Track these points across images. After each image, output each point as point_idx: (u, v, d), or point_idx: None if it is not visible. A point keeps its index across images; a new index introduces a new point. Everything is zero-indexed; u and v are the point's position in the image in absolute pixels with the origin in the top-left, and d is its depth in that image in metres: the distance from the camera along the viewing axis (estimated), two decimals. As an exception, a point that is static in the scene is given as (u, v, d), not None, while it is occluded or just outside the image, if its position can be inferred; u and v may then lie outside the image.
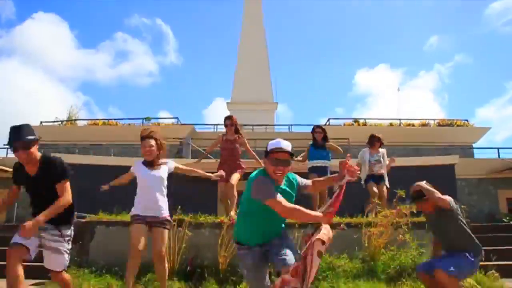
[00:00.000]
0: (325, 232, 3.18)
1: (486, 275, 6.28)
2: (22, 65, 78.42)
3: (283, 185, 3.56)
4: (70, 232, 4.13)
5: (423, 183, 4.93)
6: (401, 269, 6.34)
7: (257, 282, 3.54)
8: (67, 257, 4.02)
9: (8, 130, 4.05)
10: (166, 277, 4.92)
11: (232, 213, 7.34)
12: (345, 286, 6.11)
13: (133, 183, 5.42)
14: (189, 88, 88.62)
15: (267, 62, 29.22)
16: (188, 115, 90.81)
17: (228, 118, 8.28)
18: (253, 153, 8.38)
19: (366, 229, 6.92)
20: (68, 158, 19.25)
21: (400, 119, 22.79)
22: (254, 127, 24.24)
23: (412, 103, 58.16)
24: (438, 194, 4.81)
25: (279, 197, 3.27)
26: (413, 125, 22.76)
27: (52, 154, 4.35)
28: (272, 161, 3.45)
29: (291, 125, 24.53)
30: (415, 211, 7.21)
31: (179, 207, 7.16)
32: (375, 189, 8.66)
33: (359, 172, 4.49)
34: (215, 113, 63.84)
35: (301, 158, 9.17)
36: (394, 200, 7.01)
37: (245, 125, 24.26)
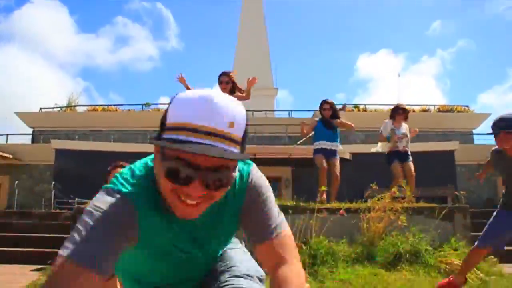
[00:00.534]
0: None
1: (485, 260, 6.31)
2: (21, 51, 78.02)
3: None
4: None
5: None
6: (400, 255, 6.37)
7: None
8: None
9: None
10: None
11: None
12: (344, 271, 6.14)
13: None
14: (191, 73, 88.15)
15: (267, 47, 29.02)
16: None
17: (223, 74, 6.88)
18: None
19: (365, 214, 6.92)
20: (68, 144, 19.40)
21: (400, 105, 22.69)
22: (254, 112, 24.13)
23: (413, 89, 58.00)
24: None
25: None
26: (414, 110, 22.70)
27: None
28: None
29: (291, 110, 24.49)
30: (414, 197, 7.23)
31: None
32: (400, 169, 7.75)
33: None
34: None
35: (307, 126, 8.07)
36: (391, 185, 7.00)
37: (248, 110, 24.14)
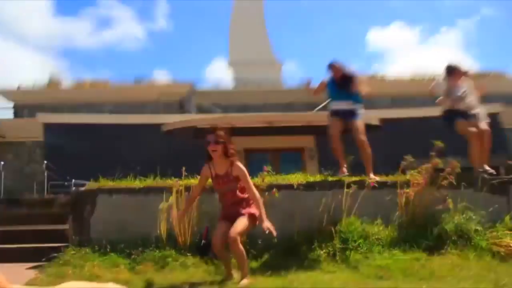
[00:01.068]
0: None
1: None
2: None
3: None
4: None
5: None
6: (445, 236, 6.23)
7: None
8: None
9: None
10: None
11: None
12: (380, 256, 6.02)
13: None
14: (184, 52, 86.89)
15: (262, 16, 27.93)
16: (184, 73, 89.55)
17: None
18: None
19: (402, 189, 6.75)
20: (58, 118, 19.33)
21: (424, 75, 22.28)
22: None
23: (437, 60, 56.63)
24: None
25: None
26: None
27: None
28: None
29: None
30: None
31: (184, 168, 7.01)
32: (472, 128, 7.26)
33: None
34: (219, 71, 62.78)
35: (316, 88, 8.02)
36: (432, 153, 6.74)
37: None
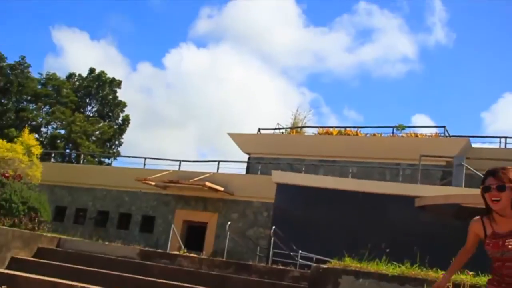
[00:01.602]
0: None
1: None
2: (234, 52, 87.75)
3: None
4: None
5: None
6: None
7: None
8: None
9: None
10: None
11: None
12: None
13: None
14: (462, 79, 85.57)
15: None
16: (459, 121, 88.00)
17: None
18: None
19: None
20: (293, 178, 20.66)
21: None
22: None
23: None
24: None
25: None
26: None
27: None
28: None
29: None
30: None
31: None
32: None
33: None
34: (504, 116, 60.10)
35: None
36: None
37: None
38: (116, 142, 50.26)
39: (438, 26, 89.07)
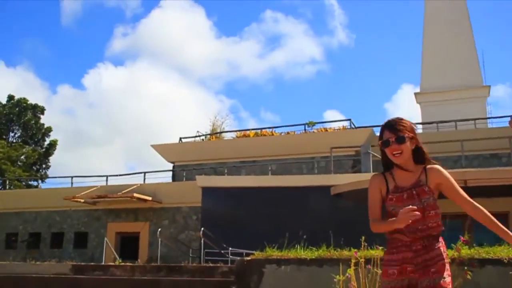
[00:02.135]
0: None
1: None
2: (152, 67, 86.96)
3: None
4: None
5: None
6: None
7: None
8: None
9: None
10: None
11: None
12: None
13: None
14: (366, 74, 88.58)
15: (469, 30, 27.74)
16: (364, 113, 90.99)
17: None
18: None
19: None
20: (217, 181, 20.75)
21: None
22: (457, 123, 23.14)
23: None
24: None
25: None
26: None
27: None
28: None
29: (513, 116, 22.74)
30: None
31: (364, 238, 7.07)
32: None
33: None
34: (402, 106, 62.65)
35: None
36: None
37: (444, 121, 23.34)
38: (43, 165, 48.77)
39: (339, 28, 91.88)
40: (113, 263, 13.36)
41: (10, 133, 49.68)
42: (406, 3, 78.85)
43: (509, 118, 22.86)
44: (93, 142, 73.30)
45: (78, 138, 73.59)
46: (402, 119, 3.96)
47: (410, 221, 3.52)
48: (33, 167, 47.44)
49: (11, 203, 26.76)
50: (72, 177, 28.11)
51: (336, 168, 20.52)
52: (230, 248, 16.82)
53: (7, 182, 38.46)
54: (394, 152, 3.82)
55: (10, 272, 12.48)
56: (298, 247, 8.56)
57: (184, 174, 25.58)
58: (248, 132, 25.97)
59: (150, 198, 23.68)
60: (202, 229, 18.32)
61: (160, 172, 27.86)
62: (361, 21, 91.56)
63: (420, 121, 25.89)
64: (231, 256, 16.55)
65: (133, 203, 23.97)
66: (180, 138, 27.32)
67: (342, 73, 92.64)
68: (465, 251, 6.89)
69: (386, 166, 3.98)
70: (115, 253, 20.47)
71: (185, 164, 26.13)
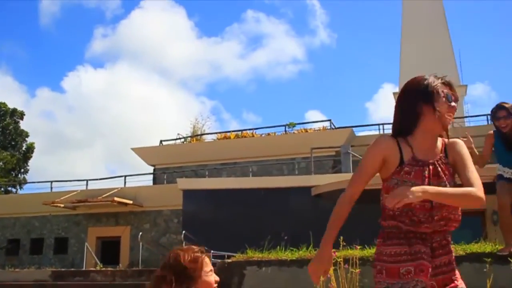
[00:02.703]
0: None
1: None
2: (133, 69, 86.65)
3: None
4: None
5: None
6: None
7: None
8: None
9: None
10: None
11: None
12: None
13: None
14: (347, 74, 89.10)
15: (446, 30, 28.06)
16: (345, 112, 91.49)
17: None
18: None
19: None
20: (198, 183, 20.74)
21: None
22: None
23: None
24: None
25: None
26: None
27: None
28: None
29: (489, 115, 23.00)
30: None
31: (342, 238, 7.13)
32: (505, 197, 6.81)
33: None
34: (383, 105, 63.10)
35: (478, 155, 6.87)
36: None
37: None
38: (22, 170, 48.30)
39: (321, 28, 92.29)
40: (93, 268, 13.29)
41: (-12, 138, 49.16)
42: (386, 2, 79.49)
43: (485, 117, 23.19)
44: (73, 145, 72.77)
45: (58, 142, 73.09)
46: None
47: (398, 203, 2.69)
48: (11, 173, 46.96)
49: (-11, 209, 26.47)
50: (51, 181, 27.88)
51: (316, 168, 20.61)
52: (212, 251, 16.80)
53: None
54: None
55: (-11, 279, 12.37)
56: (279, 248, 8.63)
57: (165, 177, 25.52)
58: (228, 134, 26.01)
59: (131, 202, 23.58)
60: (184, 232, 18.32)
61: (140, 176, 27.77)
62: (342, 21, 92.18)
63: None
64: (213, 259, 16.52)
65: (113, 207, 23.83)
66: (161, 141, 27.28)
67: (324, 72, 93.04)
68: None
69: (401, 130, 3.08)
70: (95, 258, 20.34)
71: (166, 167, 26.08)
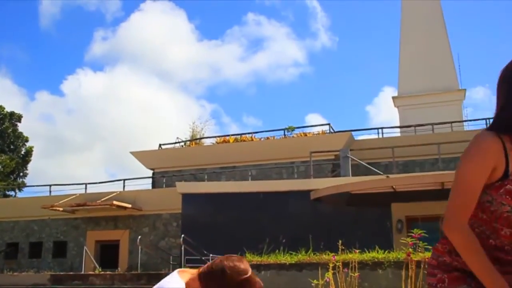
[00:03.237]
0: None
1: None
2: (133, 72, 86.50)
3: None
4: None
5: None
6: None
7: None
8: None
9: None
10: None
11: None
12: None
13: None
14: (348, 77, 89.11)
15: (444, 34, 28.08)
16: (345, 116, 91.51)
17: None
18: None
19: None
20: (197, 187, 20.73)
21: None
22: (434, 126, 23.37)
23: None
24: None
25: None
26: None
27: None
28: None
29: (491, 119, 23.02)
30: None
31: (341, 242, 7.18)
32: None
33: None
34: (383, 109, 63.13)
35: None
36: None
37: (421, 125, 23.57)
38: (21, 174, 48.24)
39: (322, 31, 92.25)
40: (92, 272, 13.27)
41: (-13, 142, 49.10)
42: (388, 5, 79.65)
43: (484, 121, 23.21)
44: (72, 149, 72.63)
45: (58, 145, 72.92)
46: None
47: None
48: (10, 176, 46.90)
49: (-12, 213, 26.42)
50: (50, 185, 27.85)
51: (315, 172, 20.62)
52: (211, 255, 16.80)
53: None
54: None
55: (-13, 283, 12.34)
56: (278, 252, 8.64)
57: (164, 181, 25.49)
58: (228, 137, 26.01)
59: (129, 206, 23.54)
60: (183, 235, 18.26)
61: (139, 179, 27.74)
62: (343, 24, 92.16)
63: (398, 124, 26.21)
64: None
65: (112, 211, 23.80)
66: (160, 145, 27.26)
67: (324, 76, 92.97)
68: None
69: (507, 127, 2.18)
70: (94, 261, 20.30)
71: (165, 170, 26.07)
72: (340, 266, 6.78)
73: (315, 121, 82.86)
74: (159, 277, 10.72)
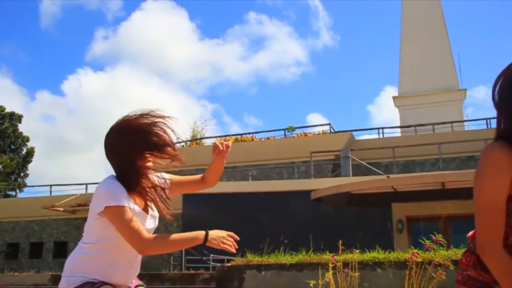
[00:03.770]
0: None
1: None
2: (134, 72, 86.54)
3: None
4: None
5: None
6: None
7: None
8: None
9: None
10: None
11: None
12: None
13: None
14: (349, 76, 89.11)
15: (445, 34, 28.11)
16: (346, 115, 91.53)
17: None
18: None
19: None
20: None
21: None
22: (434, 126, 23.39)
23: None
24: None
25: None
26: None
27: None
28: None
29: (490, 118, 23.05)
30: None
31: (341, 241, 7.20)
32: None
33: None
34: (384, 108, 63.13)
35: None
36: None
37: (422, 125, 23.59)
38: (21, 174, 48.29)
39: (324, 30, 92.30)
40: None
41: (-13, 142, 49.13)
42: (389, 4, 79.66)
43: (484, 121, 23.22)
44: (73, 148, 72.77)
45: (58, 145, 73.07)
46: None
47: None
48: (11, 176, 46.95)
49: (-12, 213, 26.44)
50: (50, 185, 27.89)
51: (316, 172, 20.64)
52: (211, 255, 16.83)
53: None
54: None
55: (-12, 283, 12.35)
56: (278, 252, 8.65)
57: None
58: (228, 137, 26.01)
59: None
60: (183, 236, 18.24)
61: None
62: (345, 23, 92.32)
63: (398, 124, 26.24)
64: (212, 263, 16.54)
65: (113, 211, 23.80)
66: (156, 144, 27.26)
67: (326, 75, 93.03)
68: (443, 252, 7.00)
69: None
70: (95, 261, 20.30)
71: (165, 170, 26.05)
72: (341, 266, 6.79)
73: (316, 120, 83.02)
74: (160, 277, 10.75)
